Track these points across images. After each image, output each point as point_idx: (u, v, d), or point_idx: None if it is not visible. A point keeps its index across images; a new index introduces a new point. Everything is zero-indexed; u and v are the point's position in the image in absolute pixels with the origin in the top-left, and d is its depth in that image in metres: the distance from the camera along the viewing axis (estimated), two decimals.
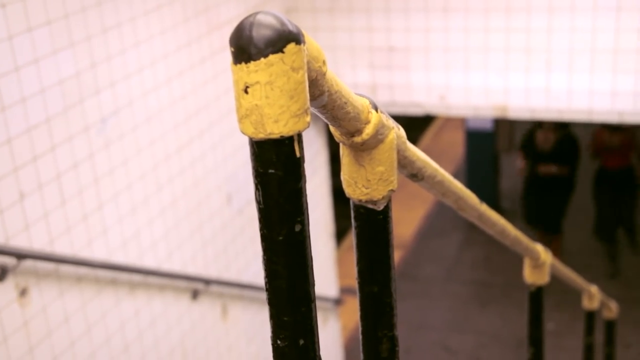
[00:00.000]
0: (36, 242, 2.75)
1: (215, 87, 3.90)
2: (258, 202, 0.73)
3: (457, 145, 9.17)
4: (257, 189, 0.73)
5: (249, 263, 4.25)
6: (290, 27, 0.73)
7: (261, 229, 0.74)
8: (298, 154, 0.74)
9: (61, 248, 2.86)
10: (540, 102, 4.32)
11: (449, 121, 9.91)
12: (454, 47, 4.38)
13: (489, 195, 7.59)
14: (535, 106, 4.34)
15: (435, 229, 7.43)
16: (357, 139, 0.91)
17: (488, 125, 7.72)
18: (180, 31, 3.61)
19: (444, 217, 7.55)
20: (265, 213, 0.73)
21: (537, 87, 4.29)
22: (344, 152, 0.95)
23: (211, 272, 3.90)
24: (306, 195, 0.75)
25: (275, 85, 0.71)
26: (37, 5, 2.71)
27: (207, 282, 3.78)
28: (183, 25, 3.63)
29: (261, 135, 0.72)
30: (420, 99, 4.54)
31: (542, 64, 4.24)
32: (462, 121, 8.20)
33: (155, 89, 3.43)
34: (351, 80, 4.56)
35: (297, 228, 0.73)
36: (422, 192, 7.02)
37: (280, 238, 0.73)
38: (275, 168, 0.73)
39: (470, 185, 6.57)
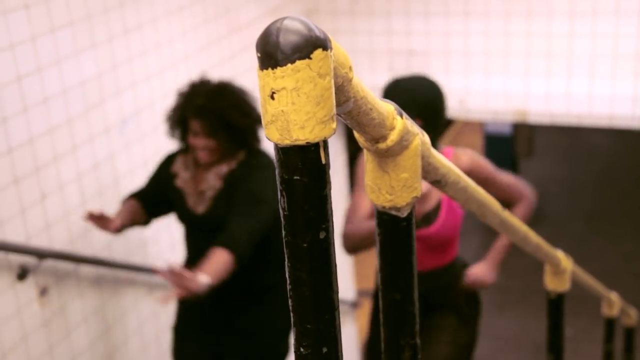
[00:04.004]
0: (56, 242, 2.77)
1: None
2: (283, 209, 0.73)
3: (475, 149, 9.12)
4: (282, 195, 0.73)
5: None
6: (318, 33, 0.72)
7: (285, 236, 0.73)
8: (324, 161, 0.73)
9: (81, 248, 2.88)
10: (560, 107, 4.29)
11: (468, 125, 9.87)
12: (474, 51, 4.36)
13: None
14: (556, 111, 4.31)
15: None
16: (382, 145, 0.90)
17: (507, 130, 7.68)
18: (200, 33, 3.62)
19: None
20: (290, 219, 0.73)
21: (558, 92, 4.26)
22: (367, 159, 0.94)
23: None
24: (331, 202, 0.75)
25: (301, 92, 0.71)
26: (60, 6, 2.73)
27: None
28: (203, 26, 3.64)
29: (287, 142, 0.72)
30: None
31: (563, 69, 4.21)
32: (481, 125, 8.17)
33: (176, 91, 3.44)
34: (370, 83, 4.55)
35: (322, 235, 0.72)
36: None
37: (305, 245, 0.72)
38: (301, 174, 0.72)
39: None
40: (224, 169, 2.71)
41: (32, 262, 2.63)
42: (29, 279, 2.64)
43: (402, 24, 4.44)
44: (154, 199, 2.84)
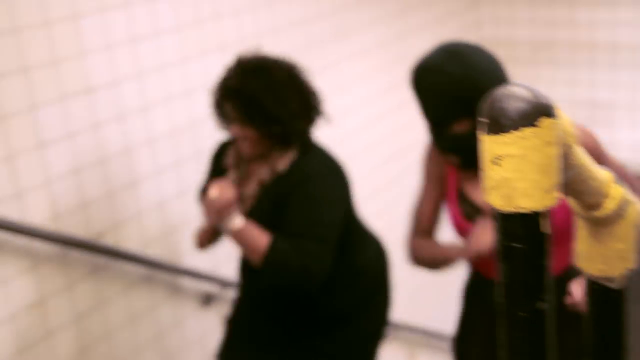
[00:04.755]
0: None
1: (412, 133, 3.94)
2: (502, 276, 0.73)
3: None
4: (501, 262, 0.73)
5: (435, 309, 4.19)
6: (544, 100, 0.73)
7: (503, 304, 0.73)
8: (545, 230, 0.73)
9: None
10: None
11: None
12: None
13: None
14: None
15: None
16: (598, 213, 0.88)
17: None
18: (381, 76, 3.68)
19: None
20: (509, 287, 0.73)
21: None
22: (580, 225, 0.92)
23: (398, 316, 3.89)
24: (550, 272, 0.74)
25: (527, 160, 0.71)
26: None
27: (395, 326, 3.77)
28: (384, 70, 3.70)
29: (509, 209, 0.72)
30: (624, 157, 4.31)
31: None
32: None
33: (356, 132, 3.51)
34: None
35: (541, 306, 0.72)
36: None
37: (523, 314, 0.72)
38: (522, 242, 0.72)
39: None
40: (267, 172, 2.13)
41: (216, 290, 2.76)
42: (213, 306, 2.77)
43: (585, 73, 4.30)
44: None
